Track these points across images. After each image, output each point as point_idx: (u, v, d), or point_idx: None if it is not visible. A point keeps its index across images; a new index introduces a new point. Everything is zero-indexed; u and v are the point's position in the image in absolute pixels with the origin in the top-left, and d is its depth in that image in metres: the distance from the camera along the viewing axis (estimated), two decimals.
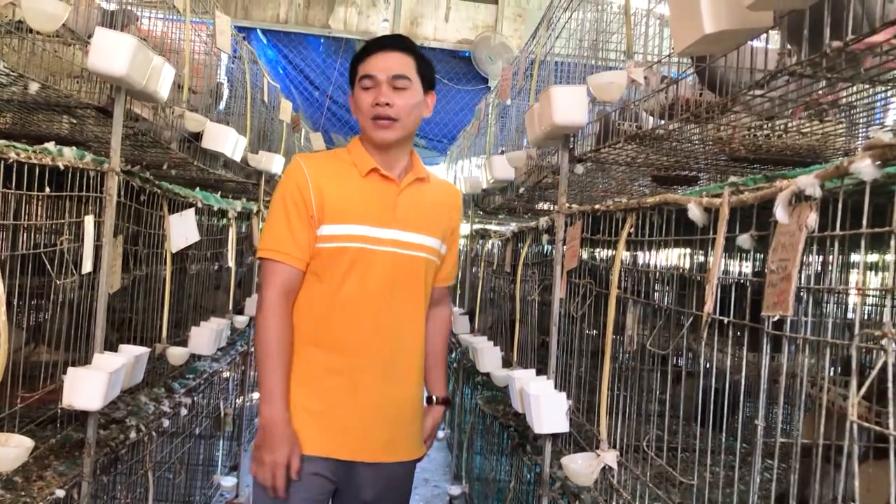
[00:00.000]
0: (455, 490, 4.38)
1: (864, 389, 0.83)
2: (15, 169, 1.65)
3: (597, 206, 2.05)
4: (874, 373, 0.79)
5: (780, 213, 1.04)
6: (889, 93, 1.39)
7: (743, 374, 1.66)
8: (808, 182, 0.99)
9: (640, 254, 1.94)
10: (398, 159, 1.94)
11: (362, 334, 1.86)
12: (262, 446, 1.77)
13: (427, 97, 1.94)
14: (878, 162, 0.88)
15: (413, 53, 1.90)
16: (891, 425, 0.78)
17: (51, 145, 1.81)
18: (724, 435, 2.15)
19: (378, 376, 1.87)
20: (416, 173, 1.95)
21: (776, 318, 1.08)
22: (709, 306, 1.21)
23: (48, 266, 1.87)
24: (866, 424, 0.84)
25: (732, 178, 1.33)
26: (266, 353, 1.80)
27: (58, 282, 1.88)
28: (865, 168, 0.89)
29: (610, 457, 1.83)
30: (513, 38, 8.40)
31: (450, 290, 2.19)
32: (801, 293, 1.12)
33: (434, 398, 2.14)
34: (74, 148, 1.93)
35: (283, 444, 1.76)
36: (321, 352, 1.86)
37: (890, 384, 0.77)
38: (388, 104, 1.83)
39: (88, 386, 1.92)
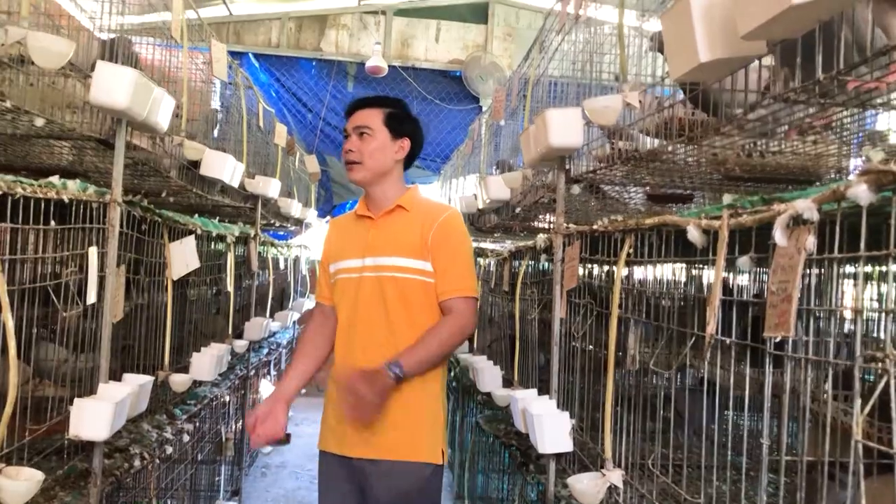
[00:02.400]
0: None
1: (867, 409, 0.86)
2: (21, 203, 1.67)
3: (595, 227, 2.07)
4: (876, 394, 0.81)
5: (778, 236, 1.06)
6: (879, 112, 1.42)
7: (746, 390, 1.68)
8: (805, 206, 1.01)
9: (639, 272, 1.97)
10: (384, 196, 2.31)
11: (342, 347, 2.28)
12: None
13: (400, 142, 2.30)
14: (874, 187, 0.90)
15: (383, 108, 2.31)
16: (895, 444, 0.80)
17: (55, 179, 1.83)
18: (728, 451, 2.17)
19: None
20: (389, 206, 2.28)
21: (778, 339, 1.10)
22: (711, 328, 1.23)
23: (54, 298, 1.88)
24: (871, 444, 0.86)
25: (727, 196, 1.36)
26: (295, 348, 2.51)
27: (64, 314, 1.90)
28: (861, 193, 0.91)
29: (615, 476, 1.85)
30: (503, 58, 8.45)
31: (464, 304, 2.18)
32: (802, 313, 1.14)
33: None
34: (78, 181, 1.95)
35: (263, 403, 2.28)
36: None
37: (893, 405, 0.79)
38: (351, 150, 2.28)
39: (95, 416, 1.93)
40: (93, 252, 2.02)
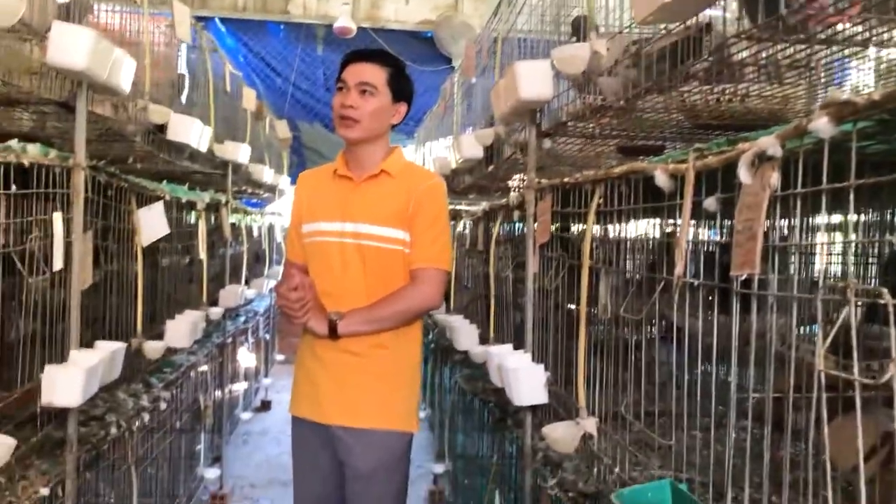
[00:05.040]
0: (438, 468, 4.43)
1: (829, 339, 0.87)
2: None
3: (566, 180, 2.07)
4: (839, 321, 0.82)
5: (743, 174, 1.06)
6: (846, 52, 1.42)
7: (714, 336, 1.69)
8: (769, 143, 1.01)
9: (610, 225, 1.97)
10: (368, 157, 2.18)
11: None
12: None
13: (398, 106, 2.20)
14: (835, 120, 0.90)
15: (387, 67, 2.17)
16: (855, 371, 0.81)
17: (14, 143, 1.79)
18: (698, 397, 2.20)
19: (326, 346, 2.13)
20: (373, 170, 2.17)
21: (744, 278, 1.11)
22: (679, 269, 1.23)
23: (19, 265, 1.85)
24: (834, 372, 0.87)
25: (697, 145, 1.36)
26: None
27: (30, 280, 1.87)
28: (823, 126, 0.91)
29: (590, 424, 1.87)
30: (474, 18, 8.35)
31: (433, 275, 2.12)
32: (768, 253, 1.15)
33: None
34: (38, 144, 1.91)
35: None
36: None
37: (853, 332, 0.80)
38: (352, 106, 2.12)
39: (67, 382, 1.91)
40: (57, 217, 1.98)
